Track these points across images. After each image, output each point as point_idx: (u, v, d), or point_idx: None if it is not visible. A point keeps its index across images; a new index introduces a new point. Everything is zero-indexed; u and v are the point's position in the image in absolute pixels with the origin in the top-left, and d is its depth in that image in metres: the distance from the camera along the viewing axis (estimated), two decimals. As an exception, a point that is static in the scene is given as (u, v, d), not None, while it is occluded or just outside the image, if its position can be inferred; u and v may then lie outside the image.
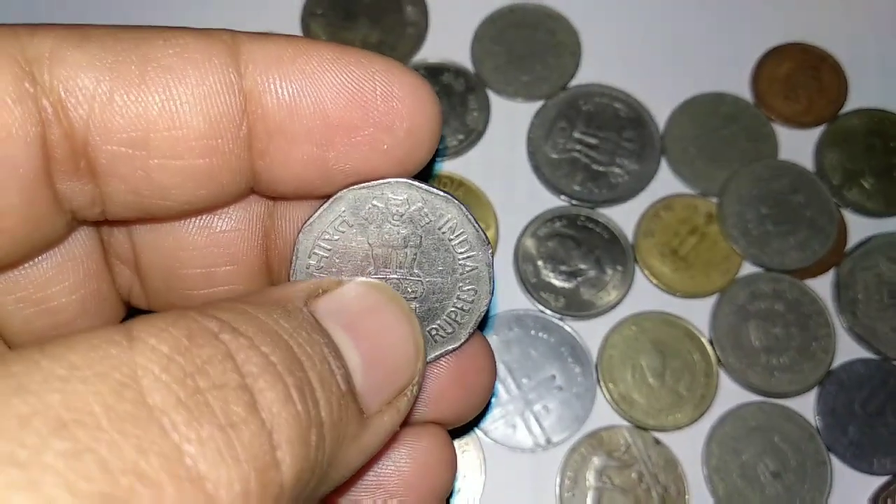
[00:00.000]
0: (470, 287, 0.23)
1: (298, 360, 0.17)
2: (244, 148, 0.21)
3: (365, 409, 0.19)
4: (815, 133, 0.40)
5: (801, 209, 0.38)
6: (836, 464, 0.35)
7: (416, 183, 0.23)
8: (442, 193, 0.23)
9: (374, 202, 0.23)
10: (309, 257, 0.23)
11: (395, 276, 0.23)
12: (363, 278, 0.22)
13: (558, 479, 0.34)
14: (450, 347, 0.24)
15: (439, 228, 0.23)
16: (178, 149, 0.20)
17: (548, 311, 0.36)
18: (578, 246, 0.37)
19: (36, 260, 0.22)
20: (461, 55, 0.41)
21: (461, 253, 0.23)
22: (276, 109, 0.21)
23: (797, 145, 0.40)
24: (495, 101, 0.40)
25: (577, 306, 0.36)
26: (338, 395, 0.18)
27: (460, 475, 0.34)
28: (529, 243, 0.37)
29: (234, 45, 0.20)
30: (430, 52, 0.41)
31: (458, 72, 0.40)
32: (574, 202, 0.38)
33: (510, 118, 0.40)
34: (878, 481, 0.35)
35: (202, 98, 0.20)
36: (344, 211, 0.23)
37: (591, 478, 0.34)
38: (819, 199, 0.38)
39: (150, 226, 0.23)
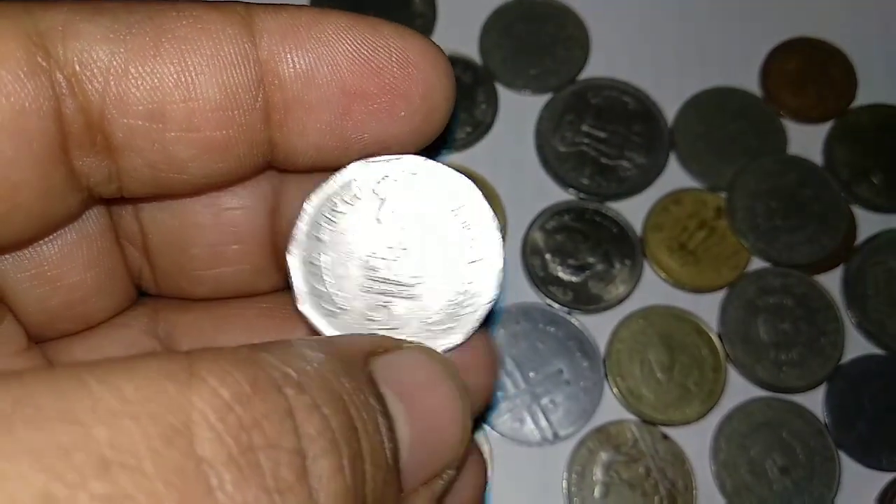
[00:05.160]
0: (474, 278, 0.22)
1: (355, 427, 0.17)
2: (261, 119, 0.21)
3: (403, 487, 0.18)
4: (823, 128, 0.40)
5: (810, 204, 0.38)
6: (845, 460, 0.35)
7: (431, 161, 0.22)
8: (456, 174, 0.22)
9: (387, 177, 0.22)
10: (313, 227, 0.22)
11: (398, 258, 0.22)
12: (427, 345, 0.21)
13: (565, 474, 0.34)
14: (447, 345, 0.22)
15: (451, 210, 0.22)
16: (194, 120, 0.20)
17: (555, 305, 0.36)
18: (586, 240, 0.37)
19: (51, 237, 0.22)
20: (469, 48, 0.40)
21: (470, 239, 0.22)
22: (293, 79, 0.20)
23: (806, 140, 0.39)
24: (503, 94, 0.40)
25: (585, 300, 0.36)
26: (384, 471, 0.17)
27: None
28: (537, 237, 0.37)
29: (247, 15, 0.20)
30: (438, 44, 0.40)
31: (467, 64, 0.40)
32: (582, 196, 0.38)
33: (518, 111, 0.39)
34: (886, 477, 0.34)
35: (218, 68, 0.20)
36: (354, 182, 0.22)
37: (598, 472, 0.34)
38: (828, 194, 0.38)
39: (157, 204, 0.23)
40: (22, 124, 0.18)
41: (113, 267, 0.23)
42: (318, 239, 0.22)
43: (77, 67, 0.19)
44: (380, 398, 0.18)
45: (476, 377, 0.24)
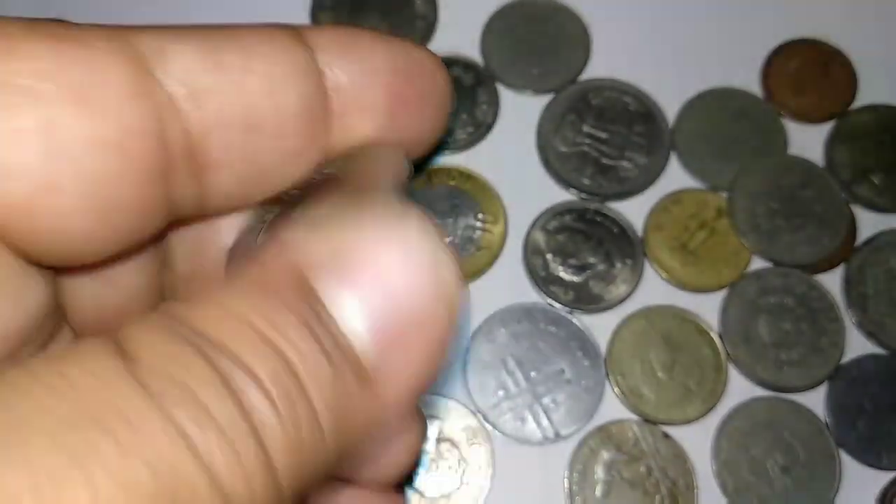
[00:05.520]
0: None
1: (286, 358, 0.16)
2: (325, 125, 0.22)
3: (378, 389, 0.17)
4: (824, 128, 0.40)
5: (811, 204, 0.38)
6: (846, 459, 0.35)
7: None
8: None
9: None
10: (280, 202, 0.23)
11: None
12: (380, 202, 0.18)
13: (567, 473, 0.34)
14: None
15: None
16: (282, 129, 0.21)
17: (557, 305, 0.36)
18: (588, 240, 0.37)
19: None
20: (470, 48, 0.40)
21: None
22: (348, 87, 0.22)
23: (807, 141, 0.39)
24: (504, 94, 0.40)
25: (586, 300, 0.36)
26: (341, 394, 0.17)
27: (471, 467, 0.34)
28: (538, 237, 0.37)
29: (299, 33, 0.22)
30: (439, 45, 0.41)
31: (468, 65, 0.40)
32: (583, 196, 0.38)
33: (519, 112, 0.40)
34: (887, 476, 0.35)
35: (295, 79, 0.21)
36: None
37: (600, 471, 0.34)
38: (829, 194, 0.38)
39: None
40: (127, 145, 0.18)
41: (155, 269, 0.24)
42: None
43: (177, 88, 0.19)
44: (313, 302, 0.17)
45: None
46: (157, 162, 0.19)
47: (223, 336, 0.16)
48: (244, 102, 0.20)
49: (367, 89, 0.22)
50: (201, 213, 0.22)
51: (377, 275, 0.17)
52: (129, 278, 0.23)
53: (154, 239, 0.22)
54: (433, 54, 0.24)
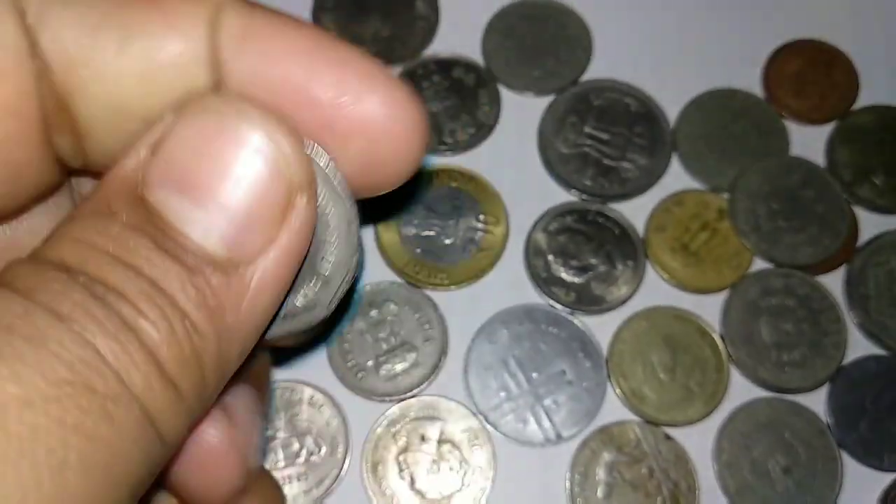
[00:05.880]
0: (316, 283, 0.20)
1: (145, 275, 0.17)
2: None
3: (242, 264, 0.18)
4: (826, 129, 0.40)
5: (812, 205, 0.38)
6: (847, 460, 0.35)
7: (331, 176, 0.19)
8: (341, 195, 0.20)
9: None
10: None
11: None
12: (206, 100, 0.18)
13: (568, 474, 0.34)
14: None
15: (326, 213, 0.20)
16: (153, 116, 0.19)
17: (558, 306, 0.36)
18: (589, 241, 0.37)
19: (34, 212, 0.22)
20: (472, 50, 0.40)
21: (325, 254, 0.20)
22: (242, 86, 0.19)
23: (808, 141, 0.40)
24: (506, 95, 0.40)
25: (587, 301, 0.36)
26: (191, 282, 0.17)
27: (473, 468, 0.34)
28: (540, 238, 0.37)
29: (219, 11, 0.19)
30: (440, 46, 0.41)
31: (469, 66, 0.40)
32: (585, 197, 0.38)
33: (521, 113, 0.40)
34: (888, 478, 0.35)
35: (179, 68, 0.19)
36: None
37: (601, 473, 0.34)
38: (830, 195, 0.38)
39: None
40: (24, 107, 0.19)
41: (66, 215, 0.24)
42: None
43: (48, 53, 0.19)
44: (150, 221, 0.17)
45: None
46: (39, 119, 0.19)
47: (83, 265, 0.17)
48: (110, 83, 0.19)
49: (265, 92, 0.19)
50: (89, 168, 0.21)
51: (206, 176, 0.18)
52: (40, 224, 0.22)
53: (54, 188, 0.22)
54: (398, 88, 0.19)
